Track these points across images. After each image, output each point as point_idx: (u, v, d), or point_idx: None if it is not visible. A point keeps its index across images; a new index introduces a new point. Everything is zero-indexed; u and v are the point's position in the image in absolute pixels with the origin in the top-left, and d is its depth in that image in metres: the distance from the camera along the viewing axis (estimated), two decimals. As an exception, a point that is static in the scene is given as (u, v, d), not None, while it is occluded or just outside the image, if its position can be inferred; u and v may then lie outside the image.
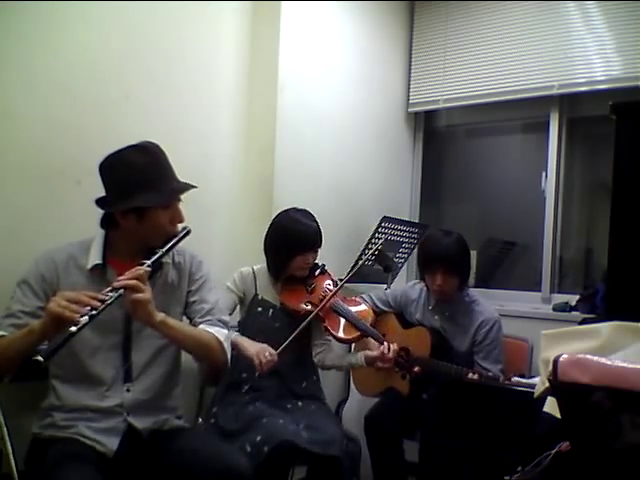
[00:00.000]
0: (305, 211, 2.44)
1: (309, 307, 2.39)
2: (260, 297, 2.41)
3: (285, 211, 2.45)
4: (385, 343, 2.39)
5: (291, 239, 2.37)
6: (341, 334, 2.41)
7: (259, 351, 2.21)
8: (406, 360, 2.57)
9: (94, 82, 2.26)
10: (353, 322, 2.41)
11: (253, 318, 2.38)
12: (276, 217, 2.46)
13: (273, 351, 2.23)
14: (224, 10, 2.80)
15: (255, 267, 2.46)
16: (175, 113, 2.56)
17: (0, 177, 2.01)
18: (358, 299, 2.58)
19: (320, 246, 2.43)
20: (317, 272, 2.49)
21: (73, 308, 1.50)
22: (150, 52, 2.46)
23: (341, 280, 2.46)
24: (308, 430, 2.13)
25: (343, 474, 2.14)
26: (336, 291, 2.41)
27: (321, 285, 2.47)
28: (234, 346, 2.20)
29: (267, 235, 2.46)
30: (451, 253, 2.60)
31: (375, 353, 2.38)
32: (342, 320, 2.43)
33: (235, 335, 2.26)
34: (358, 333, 2.41)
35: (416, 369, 2.54)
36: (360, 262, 2.70)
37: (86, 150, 2.17)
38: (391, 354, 2.37)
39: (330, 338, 2.48)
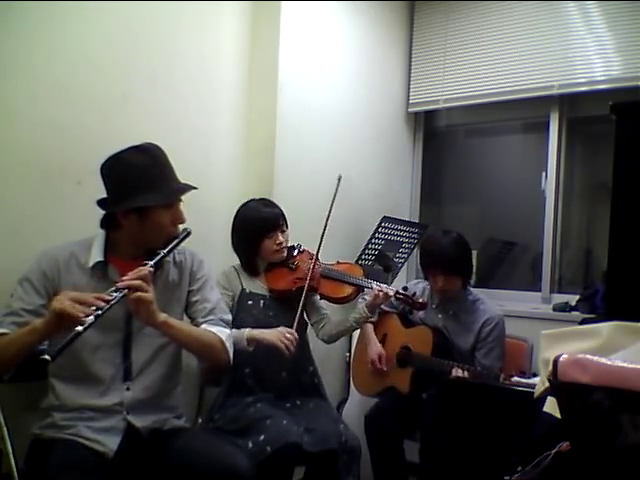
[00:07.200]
0: (263, 199, 2.50)
1: (299, 282, 2.41)
2: (248, 291, 2.41)
3: (243, 204, 2.49)
4: (378, 285, 2.40)
5: (252, 224, 2.39)
6: (338, 294, 2.44)
7: (278, 335, 2.22)
8: (407, 296, 2.46)
9: (94, 82, 2.26)
10: (344, 279, 2.45)
11: (246, 312, 2.37)
12: (236, 212, 2.48)
13: (291, 330, 2.25)
14: (224, 10, 2.81)
15: (236, 265, 2.47)
16: (175, 113, 2.56)
17: (0, 177, 2.01)
18: (342, 261, 2.60)
19: (285, 227, 2.44)
20: (295, 252, 2.51)
21: (78, 307, 1.52)
22: (150, 52, 2.46)
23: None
24: (308, 432, 2.14)
25: (340, 468, 2.15)
26: (317, 255, 2.42)
27: (303, 261, 2.49)
28: (252, 341, 2.22)
29: (232, 232, 2.48)
30: (450, 254, 2.60)
31: (371, 296, 2.39)
32: (334, 283, 2.46)
33: (248, 331, 2.25)
34: (353, 288, 2.44)
35: (421, 300, 2.47)
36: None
37: (86, 150, 2.17)
38: (389, 290, 2.39)
39: (326, 311, 2.53)
